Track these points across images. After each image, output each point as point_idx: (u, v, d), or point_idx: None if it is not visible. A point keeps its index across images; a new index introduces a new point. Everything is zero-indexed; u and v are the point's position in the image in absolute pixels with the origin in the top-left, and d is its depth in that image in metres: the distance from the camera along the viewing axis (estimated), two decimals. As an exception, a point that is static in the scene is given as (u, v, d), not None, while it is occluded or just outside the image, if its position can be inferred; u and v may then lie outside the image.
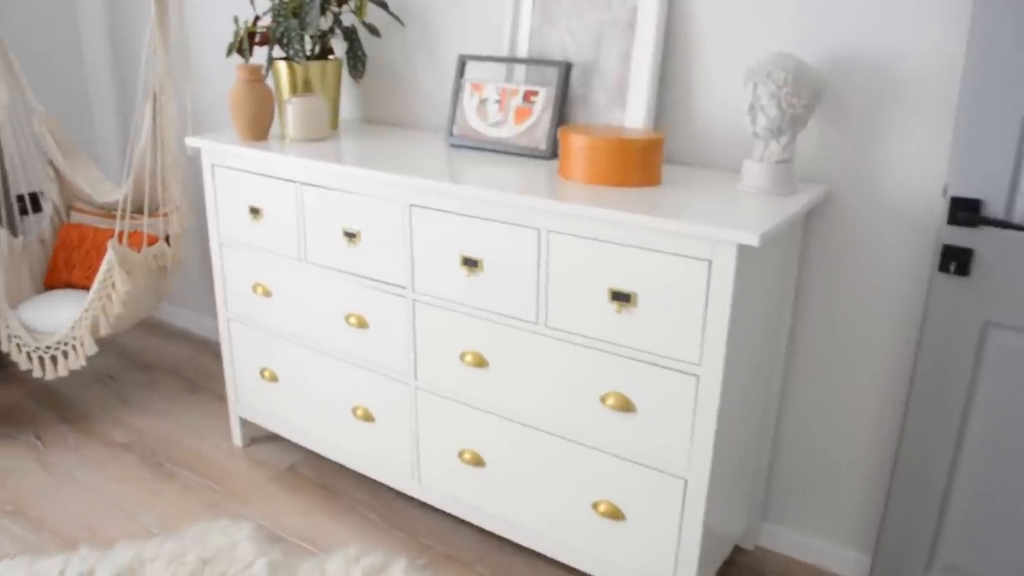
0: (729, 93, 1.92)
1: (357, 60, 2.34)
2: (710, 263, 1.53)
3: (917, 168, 1.75)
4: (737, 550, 2.15)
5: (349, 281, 2.09)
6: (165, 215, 2.62)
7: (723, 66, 1.91)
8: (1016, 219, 1.61)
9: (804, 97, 1.69)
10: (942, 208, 1.71)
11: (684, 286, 1.57)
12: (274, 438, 2.62)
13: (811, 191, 1.78)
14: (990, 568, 1.79)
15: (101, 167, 3.39)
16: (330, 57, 2.36)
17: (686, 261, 1.56)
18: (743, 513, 2.04)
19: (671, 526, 1.74)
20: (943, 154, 1.71)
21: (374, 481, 2.40)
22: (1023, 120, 1.55)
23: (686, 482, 1.70)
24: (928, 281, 1.78)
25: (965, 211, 1.63)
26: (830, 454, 2.03)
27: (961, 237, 1.66)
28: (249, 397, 2.49)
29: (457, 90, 2.19)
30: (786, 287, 1.90)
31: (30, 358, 2.51)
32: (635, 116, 1.97)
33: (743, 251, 1.52)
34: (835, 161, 1.84)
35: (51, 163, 2.77)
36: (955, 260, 1.66)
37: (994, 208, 1.62)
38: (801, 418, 2.05)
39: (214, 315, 3.34)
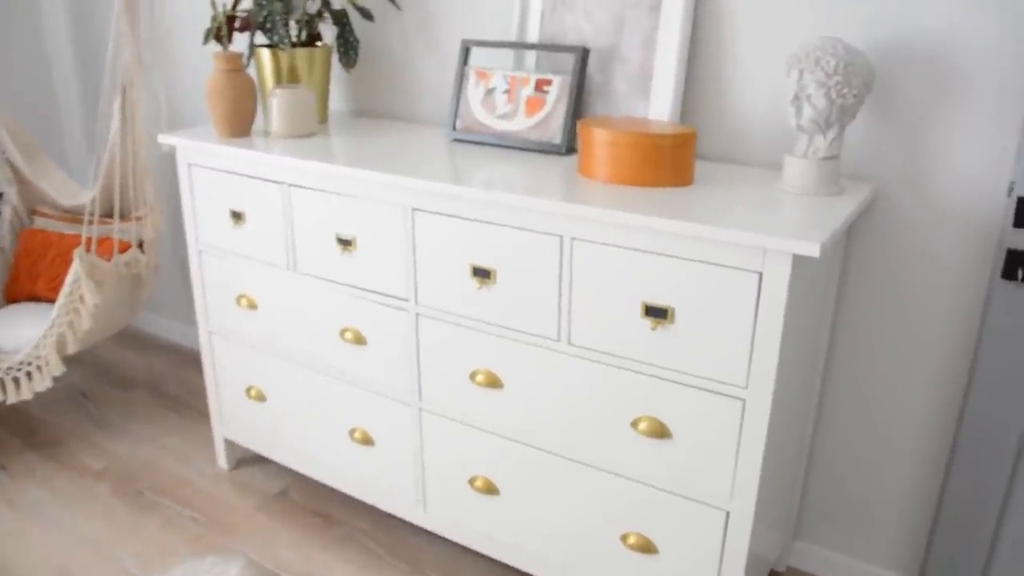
0: (765, 82, 1.74)
1: (348, 47, 2.13)
2: (760, 275, 1.36)
3: (977, 166, 1.58)
4: (769, 572, 1.99)
5: (344, 293, 1.90)
6: (138, 219, 2.40)
7: (758, 53, 1.73)
8: (1093, 220, 1.45)
9: (855, 87, 1.51)
10: (1007, 209, 1.55)
11: (730, 301, 1.40)
12: (262, 460, 2.42)
13: (858, 190, 1.60)
14: (1052, 597, 1.65)
15: (68, 168, 3.16)
16: (318, 44, 2.15)
17: (733, 273, 1.38)
18: (778, 536, 1.88)
19: (711, 562, 1.57)
20: (1008, 150, 1.54)
21: (374, 507, 2.21)
22: (1105, 110, 1.39)
23: (728, 514, 1.53)
24: (987, 289, 1.62)
25: (1036, 212, 1.47)
26: (869, 472, 1.87)
27: (1030, 240, 1.50)
28: (234, 417, 2.29)
29: (460, 79, 1.99)
30: (827, 298, 1.73)
31: (-9, 379, 2.30)
32: (660, 108, 1.79)
33: (798, 262, 1.35)
34: (883, 157, 1.67)
35: (10, 164, 2.55)
36: (1022, 266, 1.50)
37: (1068, 208, 1.46)
38: (838, 436, 1.88)
39: (196, 324, 3.13)
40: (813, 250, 1.28)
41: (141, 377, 2.93)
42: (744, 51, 1.75)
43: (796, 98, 1.55)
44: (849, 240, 1.75)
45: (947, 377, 1.73)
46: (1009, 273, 1.51)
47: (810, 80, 1.52)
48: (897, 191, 1.67)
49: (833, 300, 1.76)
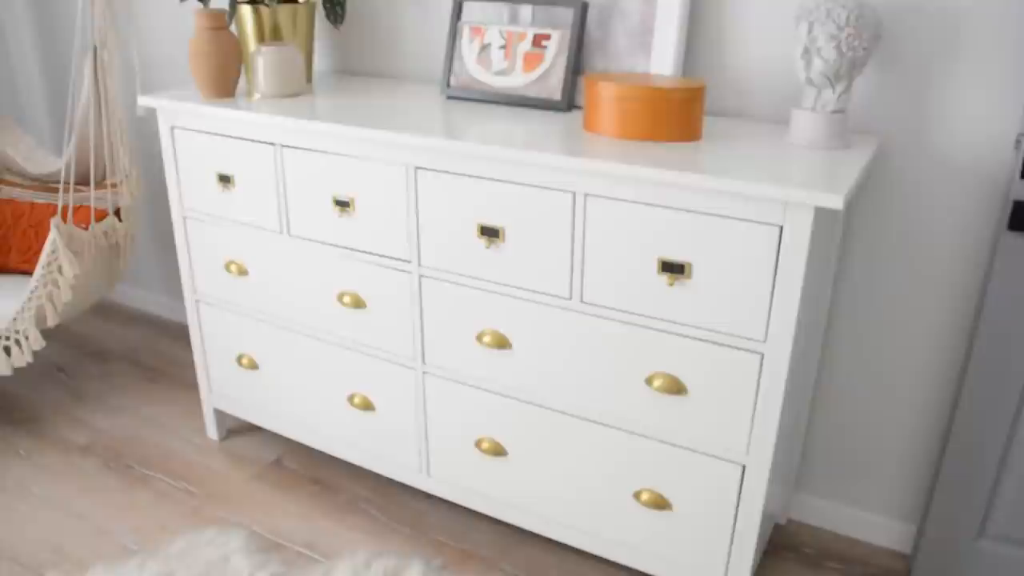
0: (769, 35, 1.72)
1: (335, 3, 2.06)
2: (781, 228, 1.35)
3: (984, 119, 1.59)
4: (773, 526, 2.03)
5: (341, 256, 1.85)
6: (114, 186, 2.31)
7: (760, 5, 1.71)
8: (1099, 169, 1.47)
9: (865, 39, 1.50)
10: (1015, 162, 1.57)
11: (749, 255, 1.39)
12: (254, 429, 2.38)
13: (866, 144, 1.61)
14: (1047, 536, 1.70)
15: (30, 134, 3.03)
16: (300, 1, 2.08)
17: (753, 227, 1.37)
18: (783, 489, 1.91)
19: (726, 515, 1.59)
20: (1016, 103, 1.55)
21: (371, 473, 2.19)
22: (1113, 58, 1.41)
23: (744, 468, 1.54)
24: (993, 240, 1.64)
25: (1043, 162, 1.49)
26: (870, 422, 1.90)
27: (1036, 191, 1.52)
28: (224, 386, 2.24)
29: (454, 35, 1.94)
30: (832, 251, 1.74)
31: (-33, 355, 2.20)
32: (662, 62, 1.76)
33: (818, 215, 1.35)
34: (889, 110, 1.67)
35: (-28, 130, 2.43)
36: (1029, 216, 1.52)
37: (1074, 158, 1.48)
38: (839, 384, 1.91)
39: (172, 294, 3.05)
40: (837, 202, 1.27)
41: (118, 349, 2.84)
42: (747, 3, 1.73)
43: (806, 51, 1.54)
44: (853, 193, 1.76)
45: (951, 328, 1.75)
46: (1016, 225, 1.53)
47: (820, 32, 1.51)
48: (902, 144, 1.68)
49: (836, 253, 1.77)
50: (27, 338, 2.19)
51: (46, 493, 2.11)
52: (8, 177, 2.50)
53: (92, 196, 2.26)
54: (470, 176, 1.61)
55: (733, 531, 1.60)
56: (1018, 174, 1.51)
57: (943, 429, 1.83)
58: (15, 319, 2.17)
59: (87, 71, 2.19)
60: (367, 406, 1.97)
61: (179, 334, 2.96)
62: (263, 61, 1.91)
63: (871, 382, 1.87)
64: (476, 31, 1.91)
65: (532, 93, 1.85)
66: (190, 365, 2.74)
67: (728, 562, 1.63)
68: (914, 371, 1.82)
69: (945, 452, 1.74)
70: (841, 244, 1.80)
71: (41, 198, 2.44)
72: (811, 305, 1.56)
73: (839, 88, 1.55)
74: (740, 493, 1.56)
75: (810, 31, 1.52)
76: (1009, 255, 1.56)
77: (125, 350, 2.84)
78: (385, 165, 1.70)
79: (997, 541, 1.75)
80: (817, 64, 1.53)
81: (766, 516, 1.65)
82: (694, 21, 1.78)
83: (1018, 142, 1.54)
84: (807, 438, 2.00)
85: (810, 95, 1.58)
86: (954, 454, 1.73)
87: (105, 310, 3.15)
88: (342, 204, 1.79)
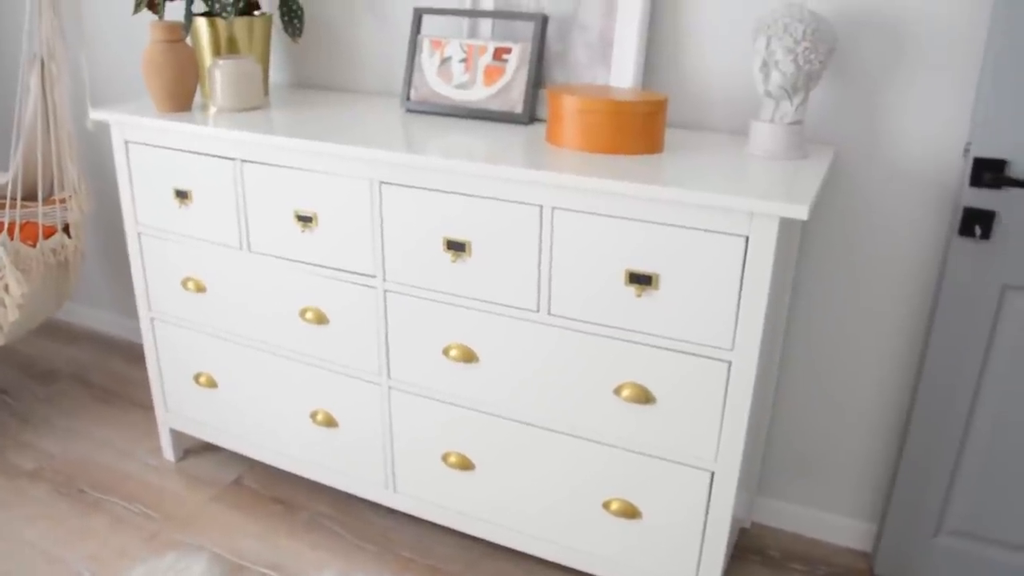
0: (726, 48, 1.76)
1: (293, 15, 2.04)
2: (747, 239, 1.38)
3: (934, 128, 1.65)
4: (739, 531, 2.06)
5: (304, 271, 1.83)
6: (62, 201, 2.25)
7: (719, 19, 1.75)
8: (1043, 178, 1.54)
9: (821, 52, 1.54)
10: (963, 170, 1.63)
11: (716, 265, 1.41)
12: (212, 449, 2.33)
13: (823, 153, 1.65)
14: (999, 532, 1.76)
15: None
16: (256, 13, 2.05)
17: (719, 237, 1.40)
18: (747, 493, 1.94)
19: (695, 522, 1.61)
20: (964, 113, 1.61)
21: (335, 490, 2.16)
22: (1054, 72, 1.47)
23: (713, 475, 1.56)
24: (945, 245, 1.70)
25: (990, 172, 1.55)
26: (830, 426, 1.95)
27: (984, 199, 1.57)
28: (181, 406, 2.19)
29: (413, 48, 1.94)
30: (791, 259, 1.77)
31: (-93, 379, 2.12)
32: (622, 75, 1.79)
33: (783, 224, 1.38)
34: (843, 121, 1.72)
35: (-89, 145, 2.34)
36: (978, 223, 1.58)
37: (1019, 169, 1.54)
38: (799, 389, 1.95)
39: (124, 312, 2.97)
40: (802, 212, 1.30)
41: (66, 369, 2.76)
42: (705, 17, 1.76)
43: (764, 64, 1.58)
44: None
45: (905, 332, 1.81)
46: (966, 230, 1.59)
47: (778, 46, 1.55)
48: (856, 154, 1.73)
49: (794, 260, 1.81)
50: (-28, 361, 2.11)
51: (-5, 522, 2.03)
52: (-52, 194, 2.41)
53: (40, 212, 2.20)
54: (435, 190, 1.61)
55: (703, 537, 1.62)
56: (967, 181, 1.57)
57: (900, 431, 1.88)
58: (-41, 341, 2.10)
59: (34, 83, 2.13)
60: (330, 423, 1.94)
61: (131, 353, 2.88)
62: (220, 74, 1.88)
63: (829, 386, 1.92)
64: (436, 44, 1.91)
65: (493, 106, 1.86)
66: (144, 384, 2.67)
67: (698, 569, 1.64)
68: (871, 375, 1.87)
69: (902, 453, 1.79)
70: (799, 252, 1.84)
71: (-15, 215, 2.36)
72: (774, 313, 1.59)
73: (796, 100, 1.59)
74: (709, 499, 1.58)
75: (768, 45, 1.56)
76: (960, 259, 1.62)
77: (74, 370, 2.75)
78: (348, 180, 1.69)
79: (954, 537, 1.81)
80: (775, 77, 1.57)
81: (733, 521, 1.68)
82: (653, 34, 1.81)
83: (966, 150, 1.60)
84: (768, 443, 2.03)
85: (768, 107, 1.62)
86: (911, 454, 1.78)
87: (52, 329, 3.05)
88: (304, 219, 1.77)
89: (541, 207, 1.52)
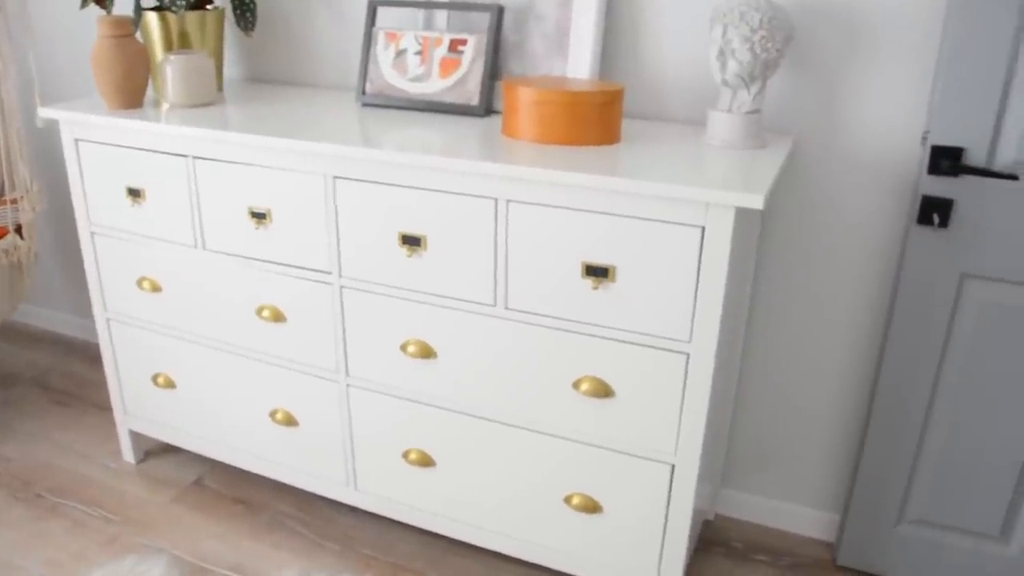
0: (684, 38, 1.75)
1: (245, 8, 2.00)
2: (703, 229, 1.37)
3: (892, 117, 1.64)
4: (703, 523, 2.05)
5: (259, 269, 1.80)
6: (13, 201, 2.20)
7: (676, 8, 1.73)
8: (997, 167, 1.53)
9: (778, 41, 1.54)
10: (921, 158, 1.62)
11: (672, 257, 1.40)
12: (172, 450, 2.29)
13: (780, 143, 1.64)
14: (959, 519, 1.76)
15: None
16: (208, 7, 2.01)
17: (675, 228, 1.38)
18: (710, 486, 1.94)
19: (657, 515, 1.60)
20: (922, 101, 1.61)
21: (296, 489, 2.14)
22: (1007, 64, 1.46)
23: (673, 467, 1.55)
24: (904, 234, 1.70)
25: (947, 160, 1.54)
26: (791, 417, 1.95)
27: (942, 187, 1.57)
28: (140, 407, 2.15)
29: (368, 41, 1.91)
30: (750, 248, 1.77)
31: None
32: (578, 66, 1.77)
33: (739, 215, 1.36)
34: (801, 110, 1.71)
35: None
36: (936, 211, 1.58)
37: (976, 157, 1.54)
38: (761, 381, 1.95)
39: (81, 312, 2.92)
40: (757, 202, 1.29)
41: (24, 372, 2.70)
42: (661, 6, 1.74)
43: (721, 53, 1.56)
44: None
45: (866, 321, 1.81)
46: (924, 218, 1.59)
47: (735, 35, 1.53)
48: (814, 143, 1.72)
49: (754, 251, 1.81)
50: (-78, 365, 2.06)
51: (-52, 529, 1.99)
52: None
53: (-10, 212, 2.15)
54: (389, 184, 1.58)
55: (664, 530, 1.61)
56: (924, 169, 1.56)
57: (861, 421, 1.88)
58: (-92, 345, 2.05)
59: (-20, 81, 2.08)
60: (290, 421, 1.92)
61: (90, 354, 2.83)
62: (171, 70, 1.84)
63: (791, 377, 1.91)
64: (391, 36, 1.88)
65: (449, 99, 1.83)
66: (103, 386, 2.62)
67: (660, 561, 1.64)
68: (832, 365, 1.87)
69: (863, 443, 1.79)
70: (759, 242, 1.84)
71: (-66, 216, 2.31)
72: (732, 304, 1.58)
73: (754, 89, 1.58)
74: (670, 492, 1.57)
75: (724, 33, 1.55)
76: (918, 248, 1.62)
77: (32, 373, 2.70)
78: (302, 175, 1.66)
79: (915, 525, 1.81)
80: (732, 66, 1.56)
81: (696, 513, 1.67)
82: (610, 24, 1.79)
83: (924, 138, 1.59)
84: (731, 434, 2.03)
85: (726, 96, 1.61)
86: (872, 444, 1.79)
87: (7, 331, 2.99)
88: (258, 216, 1.74)
89: (496, 200, 1.50)
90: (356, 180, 1.61)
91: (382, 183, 1.59)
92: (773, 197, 1.79)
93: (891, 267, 1.75)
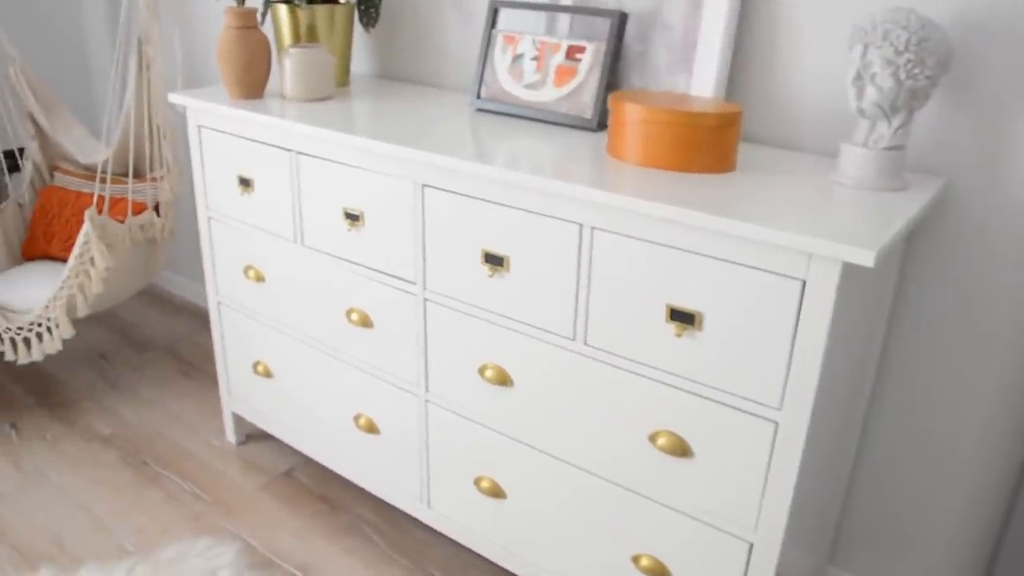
0: (824, 58, 1.53)
1: (369, 4, 1.97)
2: (804, 283, 1.18)
3: (1071, 161, 1.36)
4: (800, 600, 1.83)
5: (350, 271, 1.76)
6: (154, 180, 2.30)
7: (818, 23, 1.52)
8: None
9: (929, 67, 1.30)
10: (1104, 215, 1.34)
11: (766, 310, 1.22)
12: (271, 437, 2.33)
13: (925, 186, 1.40)
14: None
15: (98, 125, 3.08)
16: (339, 1, 2.00)
17: (770, 278, 1.20)
18: (809, 559, 1.71)
19: (730, 595, 1.42)
20: (1110, 145, 1.32)
21: (379, 497, 2.10)
22: None
23: (751, 546, 1.36)
24: (1073, 305, 1.41)
25: None
26: (918, 495, 1.68)
27: None
28: (242, 391, 2.20)
29: (487, 43, 1.82)
30: (882, 305, 1.53)
31: (1, 339, 2.23)
32: (703, 82, 1.59)
33: (848, 271, 1.16)
34: (956, 149, 1.45)
35: (31, 117, 2.46)
36: (1117, 283, 1.29)
37: None
38: (885, 455, 1.69)
39: (217, 287, 3.05)
40: (867, 259, 1.09)
41: (160, 339, 2.86)
42: (801, 21, 1.54)
43: (858, 77, 1.35)
44: (911, 242, 1.54)
45: (1016, 393, 1.52)
46: (1099, 291, 1.30)
47: (876, 56, 1.31)
48: (971, 188, 1.46)
49: (888, 307, 1.57)
50: (57, 326, 2.20)
51: (61, 481, 2.11)
52: (62, 165, 2.54)
53: (130, 189, 2.26)
54: (474, 198, 1.49)
55: (739, 612, 1.42)
56: (1106, 234, 1.28)
57: (1010, 491, 1.59)
58: (47, 306, 2.19)
59: (132, 64, 2.18)
60: (372, 428, 1.88)
61: (223, 328, 2.96)
62: (290, 62, 1.84)
63: (921, 451, 1.65)
64: (510, 40, 1.78)
65: (562, 109, 1.71)
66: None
67: (732, 645, 1.45)
68: (972, 440, 1.59)
69: (1007, 529, 1.51)
70: (894, 296, 1.59)
71: (88, 187, 2.46)
72: (842, 367, 1.36)
73: (896, 121, 1.35)
74: (747, 572, 1.39)
75: (864, 54, 1.33)
76: (1091, 328, 1.33)
77: (166, 341, 2.85)
78: (393, 179, 1.60)
79: (1059, 653, 1.51)
80: (870, 93, 1.34)
81: (780, 598, 1.47)
82: (742, 38, 1.60)
83: (1109, 197, 1.30)
84: (845, 507, 1.79)
85: (863, 128, 1.39)
86: (1018, 532, 1.50)
87: (154, 298, 3.17)
88: (352, 217, 1.70)
89: (580, 225, 1.37)
90: (442, 189, 1.53)
91: (466, 195, 1.50)
92: (916, 246, 1.54)
93: (1057, 343, 1.45)
